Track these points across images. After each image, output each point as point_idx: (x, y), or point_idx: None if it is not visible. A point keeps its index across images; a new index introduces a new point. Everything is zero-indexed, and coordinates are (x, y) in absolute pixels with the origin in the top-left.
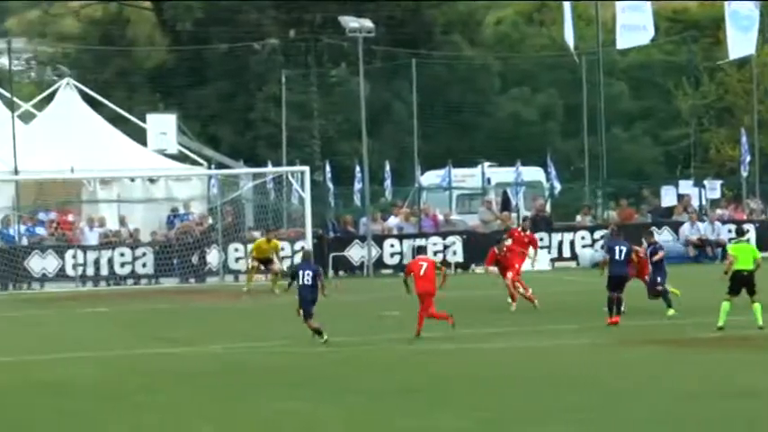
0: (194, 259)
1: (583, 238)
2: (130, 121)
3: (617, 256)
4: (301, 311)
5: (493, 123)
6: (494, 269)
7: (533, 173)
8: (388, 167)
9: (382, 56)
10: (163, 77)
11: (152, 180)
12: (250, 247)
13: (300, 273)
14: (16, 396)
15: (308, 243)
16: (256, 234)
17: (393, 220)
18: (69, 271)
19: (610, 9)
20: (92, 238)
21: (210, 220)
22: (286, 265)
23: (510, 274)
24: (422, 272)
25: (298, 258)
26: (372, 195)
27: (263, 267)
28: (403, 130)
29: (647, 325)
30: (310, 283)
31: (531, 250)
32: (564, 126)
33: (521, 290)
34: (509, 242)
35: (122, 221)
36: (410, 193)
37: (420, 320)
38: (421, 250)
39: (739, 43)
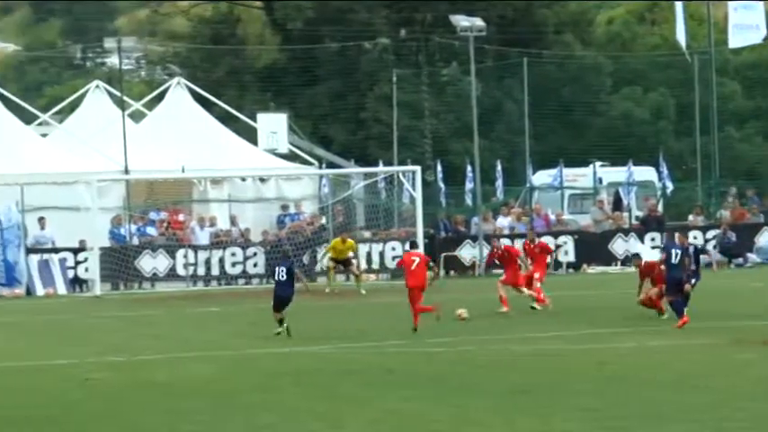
0: (305, 259)
1: (695, 237)
2: (241, 120)
3: (673, 260)
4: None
5: (604, 123)
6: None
7: (645, 172)
8: (499, 167)
9: (493, 55)
10: (274, 76)
11: (263, 179)
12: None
13: (276, 269)
14: (129, 396)
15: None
16: (367, 234)
17: (504, 220)
18: (180, 271)
19: (721, 9)
20: (203, 237)
21: (322, 220)
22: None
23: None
24: (413, 267)
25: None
26: (483, 195)
27: (341, 267)
28: (514, 129)
29: (760, 325)
30: (284, 279)
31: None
32: (676, 125)
33: (525, 293)
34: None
35: (233, 221)
36: (521, 193)
37: (415, 315)
38: (413, 245)
39: None
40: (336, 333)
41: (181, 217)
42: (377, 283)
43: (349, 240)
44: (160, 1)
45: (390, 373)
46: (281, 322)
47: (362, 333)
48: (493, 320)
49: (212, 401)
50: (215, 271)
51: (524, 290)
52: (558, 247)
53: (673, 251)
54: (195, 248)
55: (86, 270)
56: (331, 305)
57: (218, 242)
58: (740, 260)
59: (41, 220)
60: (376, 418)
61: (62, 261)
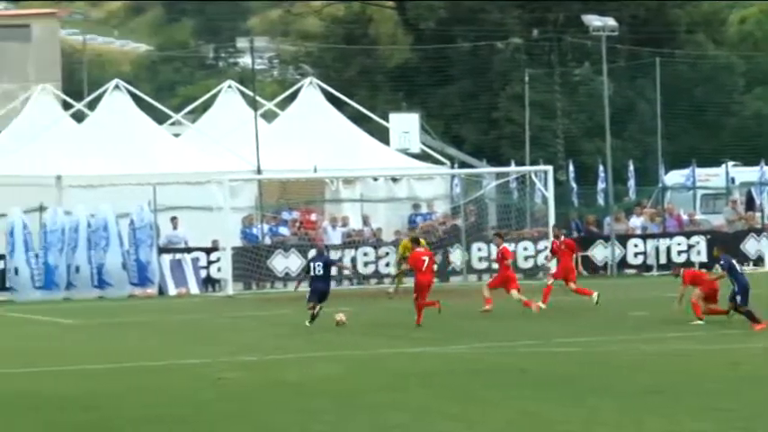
0: (437, 259)
1: None
2: (373, 120)
3: (740, 270)
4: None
5: (737, 123)
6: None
7: None
8: (631, 167)
9: (626, 55)
10: (406, 76)
11: (395, 179)
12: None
13: (312, 265)
14: (260, 395)
15: (550, 243)
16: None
17: (637, 220)
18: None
19: None
20: (335, 237)
21: (456, 220)
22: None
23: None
24: (424, 267)
25: (540, 259)
26: (615, 195)
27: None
28: (646, 129)
29: None
30: (321, 273)
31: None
32: None
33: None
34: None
35: (366, 221)
36: (654, 193)
37: (419, 311)
38: (417, 242)
39: None
40: (467, 333)
41: (313, 217)
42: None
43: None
44: (293, 0)
45: (523, 374)
46: (313, 317)
47: (494, 333)
48: (622, 320)
49: (341, 401)
50: (346, 270)
51: (549, 280)
52: (690, 247)
53: (734, 261)
54: (327, 248)
55: (219, 270)
56: (460, 305)
57: (351, 242)
58: None
59: (174, 219)
60: (509, 418)
61: (194, 261)
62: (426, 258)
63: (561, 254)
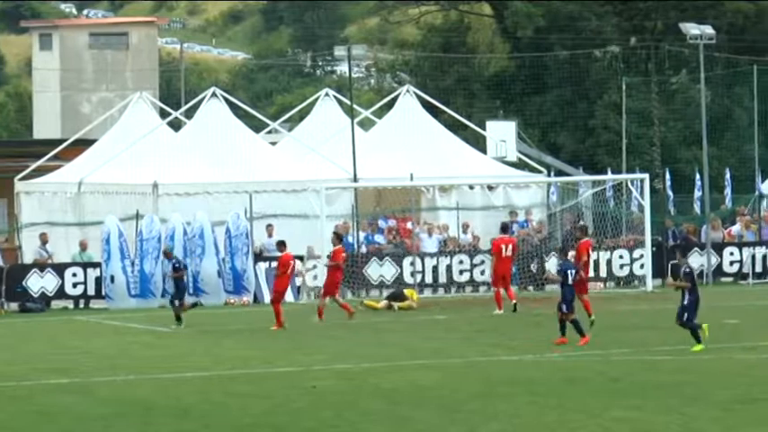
0: (533, 267)
1: None
2: (470, 128)
3: None
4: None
5: None
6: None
7: None
8: (728, 175)
9: (723, 63)
10: (503, 84)
11: (491, 187)
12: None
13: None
14: (355, 403)
15: (646, 251)
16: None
17: (733, 228)
18: (407, 278)
19: None
20: (430, 245)
21: (552, 229)
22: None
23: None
24: (505, 252)
25: (636, 268)
26: (712, 203)
27: None
28: (743, 137)
29: None
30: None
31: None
32: None
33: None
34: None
35: (465, 229)
36: (750, 201)
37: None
38: (505, 229)
39: None
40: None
41: (409, 225)
42: (605, 291)
43: None
44: (391, 9)
45: (616, 382)
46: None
47: (589, 341)
48: (717, 328)
49: (437, 409)
50: (442, 279)
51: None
52: None
53: None
54: (422, 256)
55: (315, 278)
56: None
57: (446, 250)
58: None
59: (269, 227)
60: (604, 426)
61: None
62: (509, 245)
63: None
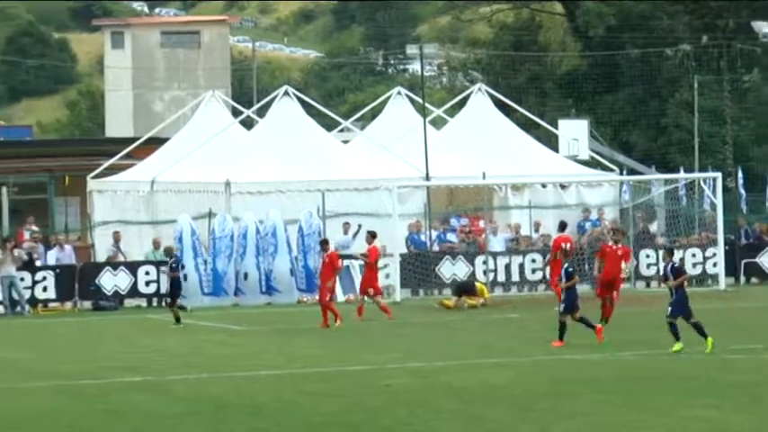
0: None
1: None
2: (542, 126)
3: None
4: None
5: None
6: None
7: None
8: None
9: None
10: (575, 83)
11: (563, 186)
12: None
13: None
14: (428, 402)
15: (719, 250)
16: (660, 240)
17: None
18: (480, 276)
19: None
20: (497, 244)
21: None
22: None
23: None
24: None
25: (709, 267)
26: None
27: None
28: None
29: None
30: None
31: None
32: None
33: None
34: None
35: (537, 227)
36: None
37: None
38: (564, 227)
39: None
40: (633, 340)
41: (481, 223)
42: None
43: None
44: (462, 8)
45: (686, 381)
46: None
47: (661, 340)
48: None
49: (509, 408)
50: (515, 277)
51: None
52: None
53: None
54: (494, 255)
55: (387, 276)
56: (627, 312)
57: (518, 248)
58: None
59: (345, 225)
60: (676, 426)
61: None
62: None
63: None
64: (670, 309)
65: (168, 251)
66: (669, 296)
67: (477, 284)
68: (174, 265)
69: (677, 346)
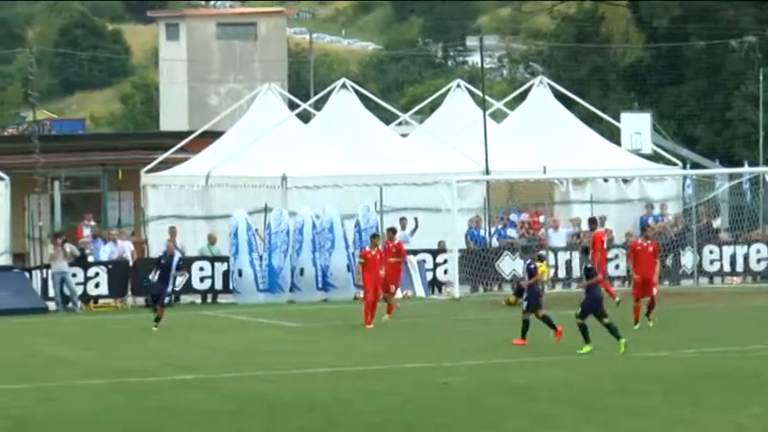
0: (668, 261)
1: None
2: (604, 119)
3: None
4: None
5: None
6: None
7: None
8: None
9: None
10: (638, 75)
11: (625, 180)
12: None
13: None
14: (488, 400)
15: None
16: (725, 236)
17: None
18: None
19: None
20: (558, 239)
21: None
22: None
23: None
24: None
25: None
26: None
27: None
28: None
29: None
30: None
31: None
32: None
33: None
34: None
35: (602, 222)
36: None
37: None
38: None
39: None
40: (697, 337)
41: (541, 219)
42: (743, 286)
43: None
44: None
45: (754, 378)
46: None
47: (725, 337)
48: None
49: (572, 406)
50: (576, 273)
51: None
52: None
53: None
54: (555, 250)
55: (445, 272)
56: (691, 309)
57: (577, 243)
58: None
59: (402, 220)
60: (742, 423)
61: (420, 263)
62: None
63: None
64: (580, 309)
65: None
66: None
67: (541, 267)
68: (180, 263)
69: (586, 348)
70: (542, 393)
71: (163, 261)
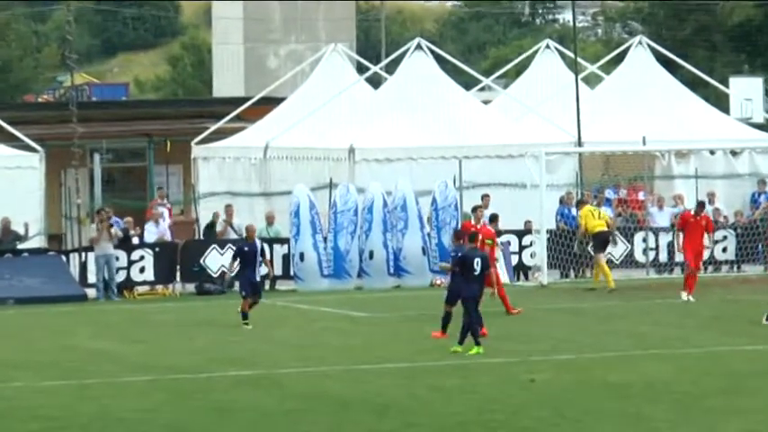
0: None
1: None
2: (710, 85)
3: None
4: None
5: None
6: None
7: None
8: None
9: None
10: (748, 35)
11: (734, 152)
12: None
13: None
14: (579, 399)
15: None
16: None
17: None
18: (638, 256)
19: None
20: (661, 219)
21: None
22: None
23: None
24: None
25: None
26: None
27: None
28: None
29: None
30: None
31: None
32: None
33: None
34: None
35: (711, 199)
36: None
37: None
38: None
39: None
40: None
41: (641, 195)
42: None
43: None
44: None
45: None
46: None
47: None
48: None
49: (673, 406)
50: (679, 257)
51: None
52: None
53: None
54: (656, 231)
55: (532, 256)
56: None
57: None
58: None
59: (485, 197)
60: None
61: (505, 245)
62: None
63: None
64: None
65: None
66: None
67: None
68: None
69: (455, 348)
70: (641, 391)
71: (246, 249)
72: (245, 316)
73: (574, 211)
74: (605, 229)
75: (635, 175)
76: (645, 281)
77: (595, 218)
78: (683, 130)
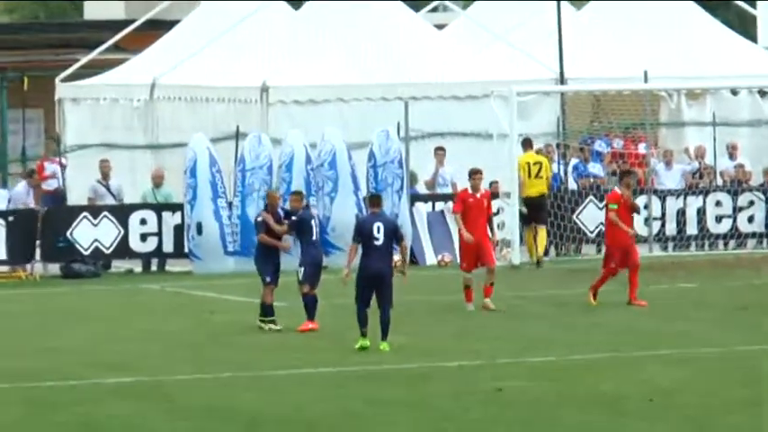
0: None
1: None
2: (732, 5)
3: None
4: None
5: None
6: None
7: None
8: None
9: None
10: None
11: (763, 93)
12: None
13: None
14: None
15: None
16: None
17: None
18: (640, 228)
19: None
20: (671, 179)
21: None
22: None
23: None
24: None
25: None
26: None
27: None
28: None
29: None
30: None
31: None
32: None
33: None
34: None
35: (731, 153)
36: None
37: None
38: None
39: None
40: None
41: (641, 148)
42: None
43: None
44: None
45: None
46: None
47: None
48: None
49: (681, 423)
50: (691, 229)
51: None
52: None
53: None
54: (662, 195)
55: (500, 227)
56: None
57: (696, 186)
58: None
59: (439, 151)
60: None
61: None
62: None
63: None
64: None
65: (273, 198)
66: None
67: None
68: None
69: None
70: (641, 404)
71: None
72: (268, 311)
73: (555, 168)
74: (542, 193)
75: (634, 121)
76: (647, 259)
77: (531, 175)
78: (697, 63)
